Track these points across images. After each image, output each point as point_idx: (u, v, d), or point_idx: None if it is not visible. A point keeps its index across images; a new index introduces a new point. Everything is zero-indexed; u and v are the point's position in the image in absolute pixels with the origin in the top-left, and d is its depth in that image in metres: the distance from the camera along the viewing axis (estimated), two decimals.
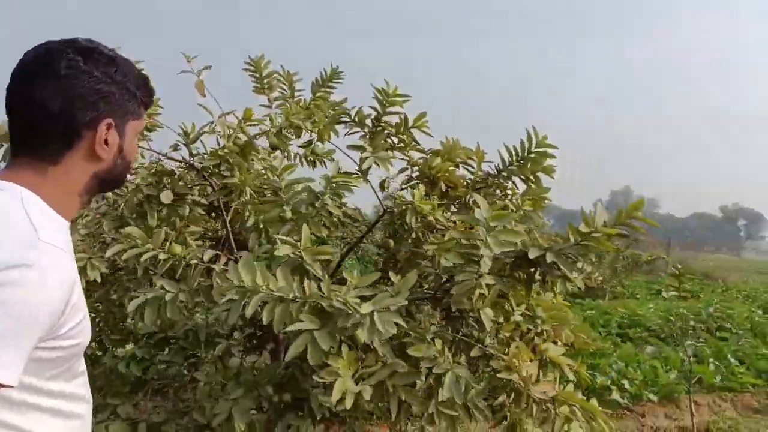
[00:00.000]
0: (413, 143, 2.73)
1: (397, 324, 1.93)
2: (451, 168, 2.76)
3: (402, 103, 2.31)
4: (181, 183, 2.36)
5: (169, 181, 2.33)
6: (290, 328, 1.54)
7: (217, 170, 2.15)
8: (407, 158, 2.77)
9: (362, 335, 1.52)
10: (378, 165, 2.17)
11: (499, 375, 1.73)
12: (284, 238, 1.73)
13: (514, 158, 2.46)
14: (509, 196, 2.82)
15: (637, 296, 12.12)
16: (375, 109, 2.33)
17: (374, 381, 1.68)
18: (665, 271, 18.46)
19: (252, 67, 3.10)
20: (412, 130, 2.65)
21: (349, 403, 1.57)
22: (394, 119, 2.55)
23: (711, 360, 5.67)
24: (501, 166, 2.51)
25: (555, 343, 2.26)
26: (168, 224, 2.53)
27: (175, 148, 2.35)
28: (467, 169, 2.82)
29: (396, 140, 2.68)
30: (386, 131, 2.38)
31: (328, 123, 2.34)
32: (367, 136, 2.36)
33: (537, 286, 2.32)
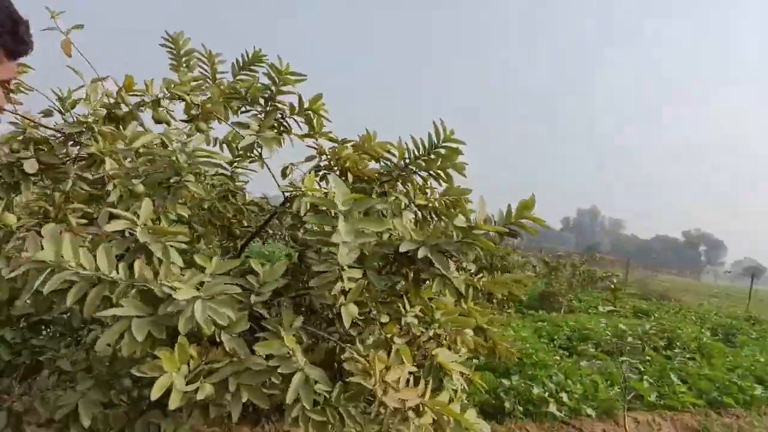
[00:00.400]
0: (323, 130, 2.53)
1: (259, 317, 1.72)
2: (364, 160, 2.56)
3: (294, 82, 2.09)
4: (60, 154, 2.10)
5: (44, 149, 2.07)
6: (103, 313, 1.31)
7: (79, 139, 1.90)
8: (316, 146, 2.56)
9: (181, 325, 1.29)
10: (261, 145, 1.93)
11: (352, 379, 1.51)
12: (117, 211, 1.49)
13: (420, 152, 2.26)
14: (427, 193, 2.63)
15: (590, 311, 12.08)
16: (268, 87, 2.11)
17: (216, 379, 1.45)
18: (624, 289, 18.61)
19: (170, 43, 2.87)
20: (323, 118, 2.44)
21: (175, 403, 1.33)
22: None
23: (646, 377, 5.54)
24: (408, 160, 2.30)
25: (450, 348, 2.05)
26: (48, 199, 2.27)
27: (47, 114, 2.09)
28: (386, 163, 2.63)
29: (305, 126, 2.47)
30: (279, 112, 2.15)
31: (219, 99, 2.11)
32: (262, 116, 2.13)
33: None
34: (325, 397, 1.65)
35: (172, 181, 1.66)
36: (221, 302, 1.34)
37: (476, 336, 2.89)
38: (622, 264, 21.25)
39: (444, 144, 2.25)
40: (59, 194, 2.19)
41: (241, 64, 2.81)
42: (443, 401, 1.60)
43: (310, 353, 1.78)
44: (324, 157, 2.55)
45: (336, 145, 2.53)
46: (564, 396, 5.06)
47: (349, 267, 1.52)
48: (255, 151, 2.15)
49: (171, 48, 2.87)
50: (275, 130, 2.11)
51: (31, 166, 1.98)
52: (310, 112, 2.19)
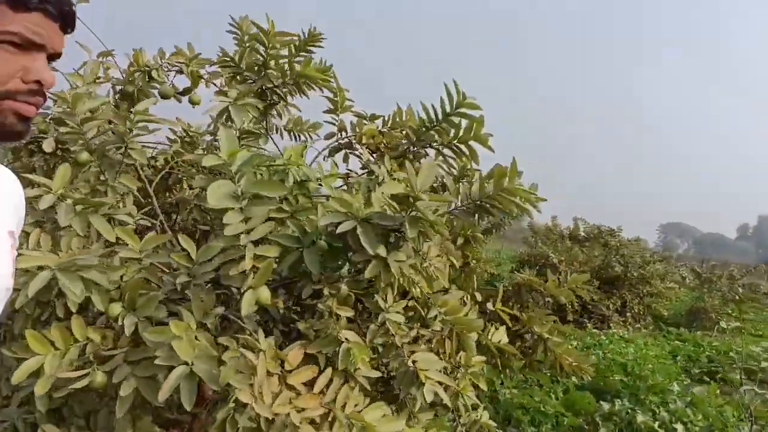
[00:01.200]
0: (346, 104, 2.26)
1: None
2: (395, 138, 2.25)
3: (285, 44, 1.84)
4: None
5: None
6: None
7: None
8: (335, 121, 2.29)
9: (19, 300, 1.10)
10: (231, 113, 1.69)
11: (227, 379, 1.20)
12: (31, 176, 1.36)
13: (432, 122, 1.88)
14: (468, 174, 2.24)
15: (759, 332, 10.15)
16: (260, 53, 1.88)
17: (108, 367, 1.25)
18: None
19: (235, 29, 2.81)
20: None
21: (42, 389, 1.16)
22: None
23: None
24: (418, 132, 1.93)
25: (437, 354, 1.65)
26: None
27: None
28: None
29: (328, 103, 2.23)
30: (270, 81, 1.91)
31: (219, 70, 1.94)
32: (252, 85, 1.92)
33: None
34: None
35: (113, 148, 1.51)
36: (72, 276, 1.13)
37: (535, 344, 2.44)
38: None
39: (458, 111, 1.85)
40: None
41: (297, 45, 2.65)
42: (357, 415, 1.23)
43: None
44: (343, 134, 2.28)
45: (361, 117, 2.26)
46: (679, 427, 4.18)
47: (259, 243, 1.24)
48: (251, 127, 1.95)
49: (236, 34, 2.80)
50: (265, 100, 1.88)
51: (48, 145, 1.97)
52: (303, 78, 1.92)
